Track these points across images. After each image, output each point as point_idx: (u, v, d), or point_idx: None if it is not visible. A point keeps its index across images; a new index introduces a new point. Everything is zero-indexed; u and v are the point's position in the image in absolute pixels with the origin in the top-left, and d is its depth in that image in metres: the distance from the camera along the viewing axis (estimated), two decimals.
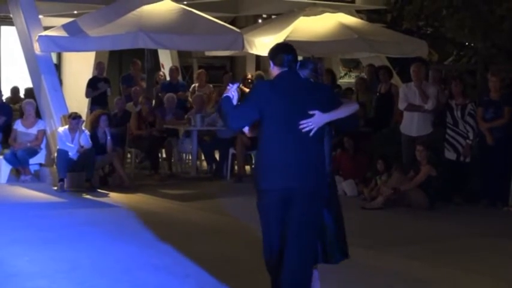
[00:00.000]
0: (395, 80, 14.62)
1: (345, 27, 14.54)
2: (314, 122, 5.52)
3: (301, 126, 5.49)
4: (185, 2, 14.72)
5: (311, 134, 5.51)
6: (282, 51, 5.73)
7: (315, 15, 14.93)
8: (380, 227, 9.83)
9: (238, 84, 5.89)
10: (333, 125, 5.81)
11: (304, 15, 14.90)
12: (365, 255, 7.93)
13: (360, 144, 12.30)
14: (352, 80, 18.95)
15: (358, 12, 17.15)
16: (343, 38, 14.28)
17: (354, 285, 7.01)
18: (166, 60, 18.22)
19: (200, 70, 16.80)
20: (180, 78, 16.79)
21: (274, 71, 5.70)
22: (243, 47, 13.78)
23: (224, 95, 5.73)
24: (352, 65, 21.57)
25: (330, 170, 6.13)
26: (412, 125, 11.63)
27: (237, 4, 17.46)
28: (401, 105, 11.74)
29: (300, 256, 5.61)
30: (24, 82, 17.81)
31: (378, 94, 13.52)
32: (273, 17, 18.01)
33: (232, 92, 5.69)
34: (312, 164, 5.58)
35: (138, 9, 13.38)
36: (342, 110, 5.67)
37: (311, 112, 5.51)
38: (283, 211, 5.57)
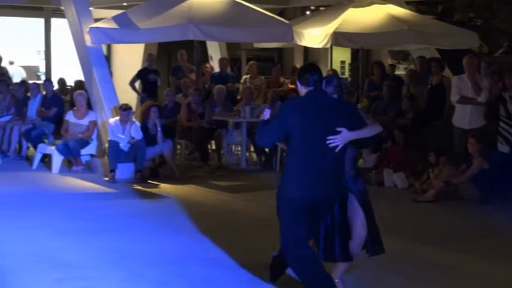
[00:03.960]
0: (446, 72, 14.40)
1: (395, 19, 14.35)
2: (341, 138, 5.85)
3: (328, 142, 5.81)
4: None
5: (337, 150, 5.84)
6: (308, 71, 6.11)
7: (364, 6, 14.76)
8: (431, 220, 9.67)
9: (270, 110, 6.32)
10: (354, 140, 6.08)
11: (353, 7, 14.73)
12: (418, 249, 7.87)
13: (411, 137, 12.16)
14: (402, 72, 18.73)
15: (407, 4, 16.94)
16: (392, 29, 14.09)
17: (410, 279, 6.91)
18: (215, 52, 18.23)
19: (252, 62, 16.75)
20: (228, 69, 16.77)
21: (302, 90, 6.07)
22: (292, 38, 13.72)
23: (262, 119, 6.21)
24: (401, 57, 21.35)
25: (353, 174, 6.32)
26: (464, 117, 11.46)
27: None
28: (454, 98, 11.56)
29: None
30: (74, 74, 17.99)
31: (429, 86, 13.33)
32: (321, 8, 17.89)
33: (267, 116, 6.14)
34: (333, 175, 5.96)
35: (188, 1, 13.35)
36: (367, 130, 6.06)
37: (338, 129, 5.84)
38: (307, 216, 5.90)
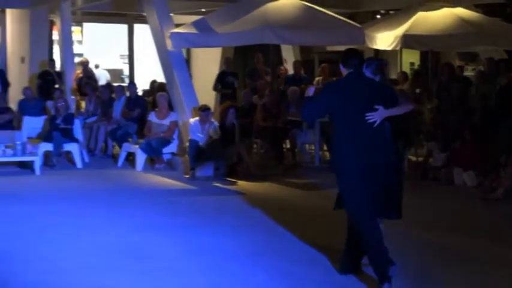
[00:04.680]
0: None
1: (463, 21, 14.05)
2: (377, 115, 6.19)
3: (367, 118, 6.14)
4: None
5: (375, 125, 6.17)
6: (349, 55, 6.47)
7: (433, 10, 14.52)
8: (500, 218, 9.47)
9: (316, 87, 6.63)
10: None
11: (422, 10, 14.50)
12: (485, 246, 7.73)
13: (480, 136, 11.90)
14: (470, 73, 18.37)
15: (475, 7, 16.60)
16: (460, 31, 13.81)
17: (479, 276, 6.74)
18: (289, 55, 18.16)
19: (324, 64, 16.64)
20: (302, 72, 16.69)
21: (344, 72, 6.45)
22: (364, 41, 13.58)
23: (306, 96, 6.38)
24: (469, 58, 20.94)
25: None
26: None
27: (358, 0, 17.24)
28: None
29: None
30: (155, 77, 18.15)
31: (498, 87, 13.04)
32: (391, 12, 17.67)
33: (311, 93, 6.31)
34: (376, 145, 6.25)
35: (263, 7, 13.30)
36: (400, 108, 6.41)
37: (376, 107, 6.17)
38: (361, 183, 6.19)
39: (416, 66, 20.85)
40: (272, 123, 13.36)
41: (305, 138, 13.75)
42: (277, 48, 17.74)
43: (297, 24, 13.10)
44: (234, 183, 11.66)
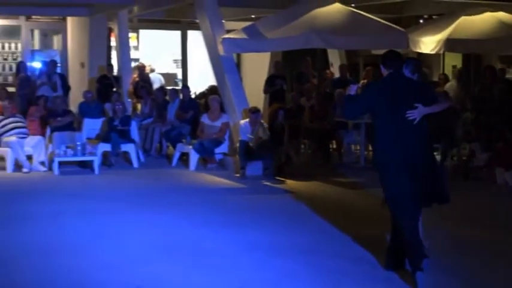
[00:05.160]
0: None
1: (505, 25, 13.88)
2: (417, 113, 6.23)
3: (407, 115, 6.20)
4: (353, 5, 14.52)
5: (415, 122, 6.22)
6: (389, 56, 6.54)
7: (476, 14, 14.34)
8: None
9: (358, 85, 6.63)
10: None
11: (465, 15, 14.33)
12: None
13: None
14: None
15: None
16: (503, 35, 13.64)
17: None
18: (335, 59, 18.08)
19: (369, 67, 16.56)
20: (347, 75, 16.62)
21: (384, 72, 6.49)
22: (408, 45, 13.48)
23: (347, 93, 6.75)
24: (510, 61, 20.61)
25: None
26: None
27: (401, 6, 17.09)
28: None
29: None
30: (207, 80, 18.24)
31: None
32: (434, 17, 17.49)
33: (353, 91, 6.66)
34: (414, 142, 6.28)
35: (311, 13, 13.27)
36: (437, 106, 6.44)
37: (415, 105, 6.22)
38: (403, 176, 6.22)
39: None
40: (319, 124, 13.34)
41: (351, 138, 13.70)
42: (323, 53, 17.68)
43: (343, 29, 13.05)
44: (282, 182, 11.65)
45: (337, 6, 13.65)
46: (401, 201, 6.28)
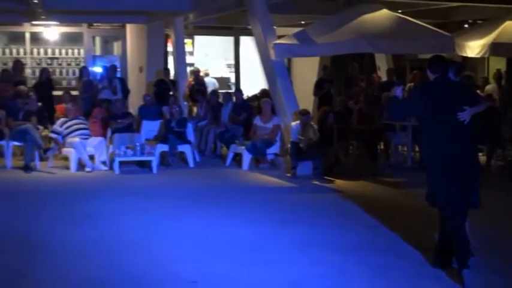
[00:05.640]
0: None
1: None
2: (466, 114, 6.24)
3: (458, 117, 6.19)
4: (400, 11, 14.41)
5: (465, 123, 6.22)
6: (435, 61, 6.51)
7: None
8: None
9: (402, 87, 6.85)
10: None
11: (510, 20, 14.09)
12: None
13: None
14: None
15: None
16: None
17: None
18: (382, 63, 17.96)
19: (415, 71, 16.41)
20: (394, 78, 16.48)
21: (430, 76, 6.47)
22: (454, 49, 13.30)
23: (392, 95, 6.70)
24: None
25: None
26: None
27: (447, 11, 16.89)
28: None
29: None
30: (258, 84, 18.25)
31: None
32: (479, 22, 17.24)
33: (398, 93, 6.62)
34: (460, 143, 6.28)
35: (359, 18, 13.19)
36: (481, 105, 6.41)
37: (464, 107, 6.22)
38: (450, 176, 6.22)
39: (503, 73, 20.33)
40: (367, 126, 13.26)
41: (398, 140, 13.59)
42: (371, 57, 17.59)
43: (390, 34, 12.94)
44: (331, 182, 11.62)
45: (384, 12, 13.55)
46: (448, 200, 6.23)
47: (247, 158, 12.94)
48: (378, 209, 9.24)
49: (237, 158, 13.45)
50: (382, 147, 13.93)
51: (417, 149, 13.60)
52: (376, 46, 12.86)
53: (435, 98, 6.29)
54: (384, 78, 16.66)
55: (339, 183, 11.53)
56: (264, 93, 15.77)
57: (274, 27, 13.79)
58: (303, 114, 12.28)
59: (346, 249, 7.24)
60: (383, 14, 13.48)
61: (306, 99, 16.07)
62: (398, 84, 14.81)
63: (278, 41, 13.17)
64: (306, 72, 19.48)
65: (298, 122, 12.26)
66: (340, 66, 19.29)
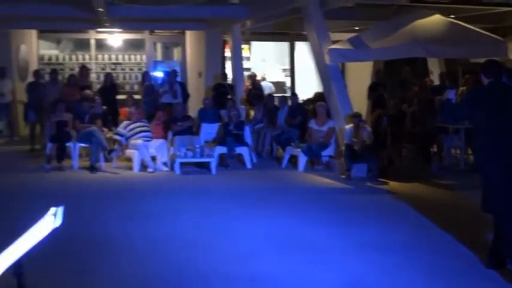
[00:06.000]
0: None
1: None
2: None
3: None
4: (452, 16, 14.23)
5: None
6: (490, 65, 6.40)
7: None
8: None
9: (455, 90, 6.66)
10: None
11: None
12: None
13: None
14: None
15: None
16: None
17: None
18: (435, 67, 17.74)
19: (467, 75, 16.15)
20: (447, 82, 16.26)
21: (484, 81, 6.37)
22: (506, 54, 13.08)
23: (445, 98, 6.65)
24: None
25: None
26: None
27: (500, 16, 16.60)
28: None
29: None
30: (312, 88, 18.23)
31: None
32: None
33: (451, 96, 6.66)
34: None
35: (412, 24, 13.08)
36: None
37: None
38: (505, 179, 6.08)
39: None
40: (420, 129, 13.12)
41: (451, 143, 13.40)
42: (423, 61, 17.40)
43: (442, 38, 12.79)
44: (385, 184, 11.53)
45: (437, 17, 13.41)
46: (504, 203, 6.12)
47: (302, 159, 12.92)
48: (431, 210, 9.14)
49: (293, 160, 13.44)
50: (435, 150, 13.75)
51: (470, 151, 13.42)
52: (429, 50, 12.72)
53: (490, 101, 6.19)
54: (437, 82, 16.45)
55: (393, 185, 11.43)
56: (317, 96, 15.76)
57: (329, 32, 13.75)
58: (355, 116, 12.24)
59: (401, 249, 7.18)
60: (436, 19, 13.34)
61: (360, 103, 15.97)
62: (451, 88, 14.72)
63: (333, 46, 13.14)
64: (359, 76, 19.38)
65: (352, 125, 12.20)
66: (392, 71, 19.13)
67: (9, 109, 17.41)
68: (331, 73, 13.08)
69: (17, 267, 2.95)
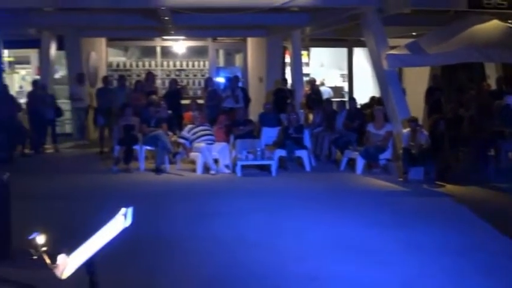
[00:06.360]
0: None
1: None
2: None
3: None
4: (510, 21, 13.93)
5: None
6: None
7: None
8: None
9: None
10: None
11: None
12: None
13: None
14: None
15: None
16: None
17: None
18: (492, 72, 17.40)
19: None
20: (504, 87, 15.93)
21: None
22: None
23: (504, 103, 6.08)
24: None
25: None
26: None
27: None
28: None
29: None
30: (370, 92, 18.07)
31: None
32: None
33: (510, 101, 6.03)
34: None
35: (470, 29, 12.87)
36: None
37: None
38: None
39: None
40: (478, 133, 12.86)
41: (509, 147, 13.10)
42: (481, 66, 17.08)
43: (500, 43, 12.55)
44: (442, 187, 11.36)
45: (495, 22, 13.16)
46: None
47: (360, 162, 12.83)
48: (488, 213, 8.97)
49: (351, 163, 13.35)
50: (492, 153, 13.46)
51: None
52: (487, 55, 12.50)
53: None
54: (494, 86, 16.14)
55: (450, 188, 11.25)
56: (372, 100, 15.63)
57: (387, 38, 13.63)
58: (412, 121, 12.09)
59: (457, 251, 7.08)
60: (493, 25, 13.09)
61: (416, 107, 15.77)
62: (510, 93, 14.44)
63: (391, 52, 13.02)
64: (416, 81, 19.12)
65: (409, 129, 12.06)
66: (449, 75, 18.83)
67: (85, 113, 17.82)
68: (388, 78, 12.97)
69: (89, 265, 3.01)
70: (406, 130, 12.11)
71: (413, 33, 17.38)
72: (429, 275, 6.25)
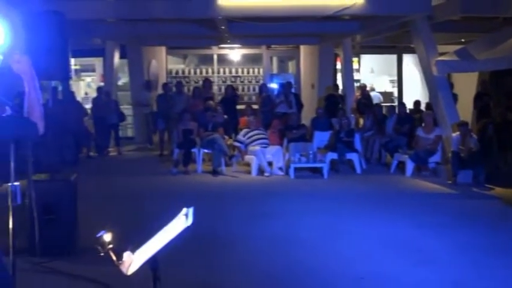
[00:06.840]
0: None
1: None
2: None
3: None
4: None
5: None
6: None
7: None
8: None
9: None
10: None
11: None
12: None
13: None
14: None
15: None
16: None
17: None
18: None
19: None
20: None
21: None
22: None
23: None
24: None
25: None
26: None
27: None
28: None
29: None
30: (418, 97, 17.81)
31: None
32: None
33: None
34: None
35: None
36: None
37: None
38: None
39: None
40: None
41: None
42: None
43: None
44: (491, 189, 11.13)
45: None
46: None
47: (410, 165, 12.67)
48: None
49: (401, 166, 13.20)
50: None
51: None
52: None
53: None
54: None
55: (499, 190, 11.02)
56: (426, 106, 15.43)
57: (436, 45, 13.43)
58: (461, 125, 11.89)
59: (507, 252, 6.93)
60: None
61: (465, 112, 15.51)
62: None
63: (440, 58, 12.83)
64: (465, 86, 18.79)
65: (458, 133, 11.86)
66: (498, 81, 18.46)
67: (152, 118, 18.03)
68: (438, 84, 12.78)
69: (153, 262, 3.05)
70: (455, 134, 11.91)
71: (462, 40, 17.10)
72: (479, 276, 6.14)
